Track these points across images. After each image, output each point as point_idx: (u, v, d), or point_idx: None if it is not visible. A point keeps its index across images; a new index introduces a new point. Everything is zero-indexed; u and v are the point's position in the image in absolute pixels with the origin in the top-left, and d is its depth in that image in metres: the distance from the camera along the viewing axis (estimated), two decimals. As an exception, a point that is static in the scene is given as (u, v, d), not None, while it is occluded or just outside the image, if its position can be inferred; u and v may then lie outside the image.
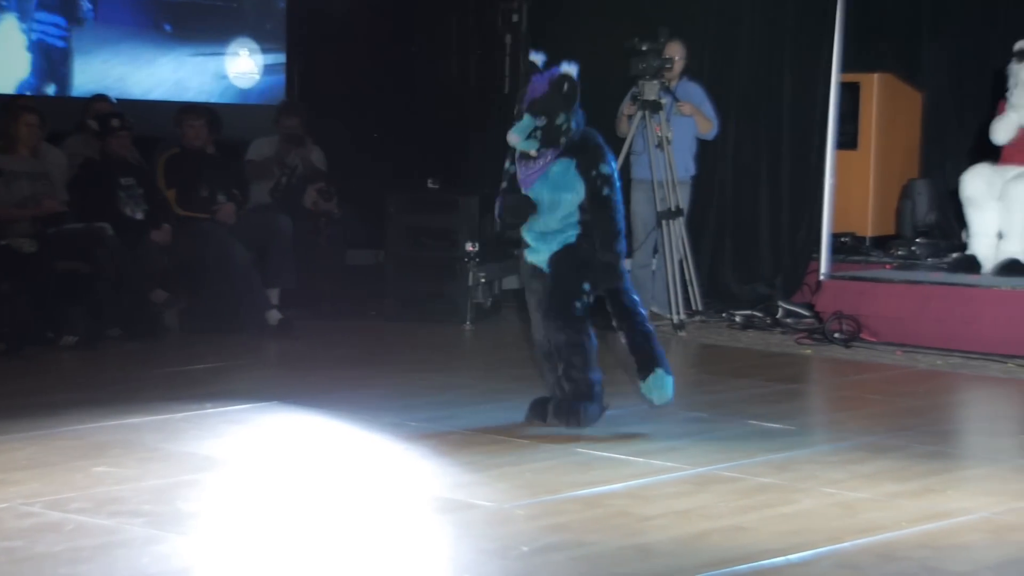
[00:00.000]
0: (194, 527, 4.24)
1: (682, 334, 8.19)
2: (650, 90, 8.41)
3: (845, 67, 8.41)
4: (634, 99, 8.54)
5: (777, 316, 8.50)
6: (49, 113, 8.08)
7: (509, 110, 9.80)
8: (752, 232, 9.22)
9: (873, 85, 9.02)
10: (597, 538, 4.16)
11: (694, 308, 8.60)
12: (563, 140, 5.36)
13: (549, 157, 5.37)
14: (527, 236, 5.48)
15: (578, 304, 5.37)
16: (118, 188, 7.98)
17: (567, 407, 5.40)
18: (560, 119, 5.32)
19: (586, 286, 5.39)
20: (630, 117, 8.57)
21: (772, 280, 9.02)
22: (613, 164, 5.46)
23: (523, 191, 5.43)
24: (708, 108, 8.69)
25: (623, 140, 8.54)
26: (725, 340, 8.12)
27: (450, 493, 4.64)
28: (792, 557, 3.98)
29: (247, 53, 10.49)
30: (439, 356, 7.63)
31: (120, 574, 3.79)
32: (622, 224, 5.44)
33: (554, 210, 5.39)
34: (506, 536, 4.16)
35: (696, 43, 8.97)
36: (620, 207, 5.43)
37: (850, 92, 8.87)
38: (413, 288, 8.75)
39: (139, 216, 8.01)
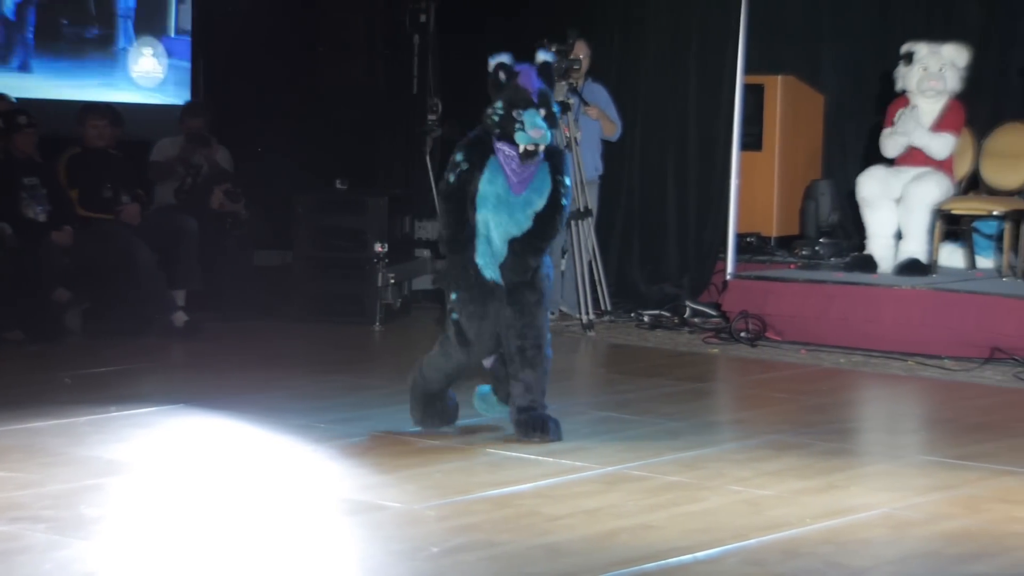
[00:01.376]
0: (98, 532, 4.18)
1: (591, 334, 8.23)
2: (559, 91, 8.44)
3: (749, 69, 8.52)
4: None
5: (684, 316, 8.58)
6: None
7: (417, 111, 9.92)
8: (659, 232, 9.30)
9: (777, 87, 9.13)
10: (507, 538, 4.17)
11: (603, 308, 8.65)
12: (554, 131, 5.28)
13: (540, 159, 5.22)
14: (483, 259, 5.23)
15: (549, 336, 5.37)
16: (21, 188, 7.84)
17: (538, 420, 5.31)
18: (556, 109, 5.25)
19: (547, 316, 5.41)
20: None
21: (679, 280, 9.10)
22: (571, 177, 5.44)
23: (512, 196, 5.20)
24: (612, 111, 8.76)
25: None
26: (633, 340, 8.18)
27: (359, 495, 4.62)
28: (699, 555, 4.02)
29: (151, 52, 10.35)
30: (348, 357, 7.59)
31: (22, 581, 3.73)
32: (555, 235, 5.35)
33: (525, 214, 5.24)
34: (416, 537, 4.15)
35: (603, 45, 9.03)
36: (563, 219, 5.34)
37: (754, 94, 8.98)
38: (322, 289, 8.69)
39: (41, 217, 7.86)
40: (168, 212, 8.57)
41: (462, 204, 5.22)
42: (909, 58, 8.11)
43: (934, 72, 8.04)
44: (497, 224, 5.21)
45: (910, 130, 8.02)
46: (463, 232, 5.20)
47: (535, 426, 5.29)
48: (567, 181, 5.28)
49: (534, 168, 5.20)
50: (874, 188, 8.16)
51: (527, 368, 5.26)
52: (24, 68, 9.85)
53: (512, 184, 5.18)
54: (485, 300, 5.20)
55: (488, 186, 5.19)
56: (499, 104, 5.18)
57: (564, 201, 5.25)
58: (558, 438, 5.31)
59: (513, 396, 5.34)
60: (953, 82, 8.08)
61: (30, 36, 9.87)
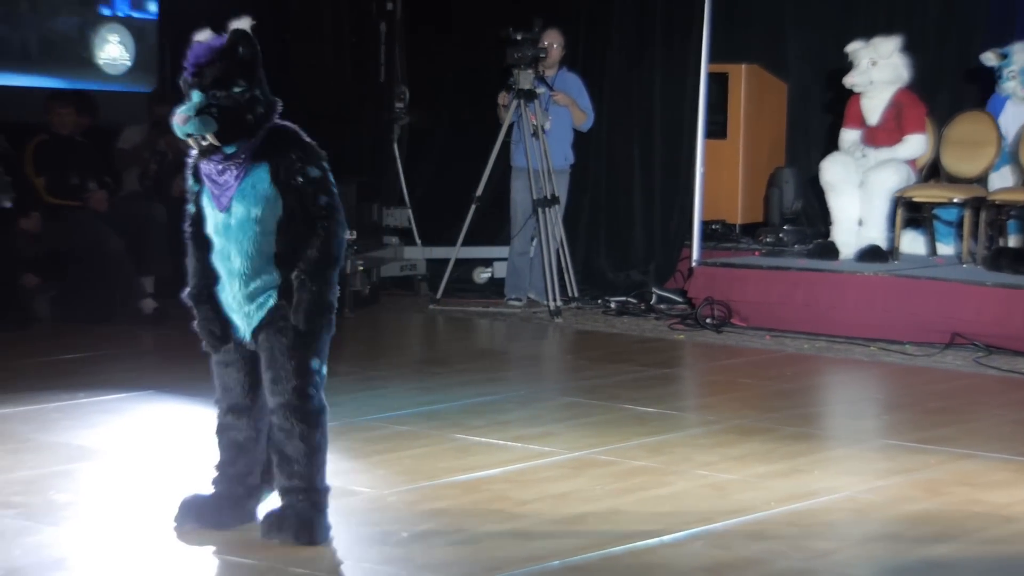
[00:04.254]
0: (68, 518, 4.16)
1: (558, 320, 8.25)
2: (525, 79, 8.47)
3: (713, 58, 8.54)
4: (508, 88, 8.59)
5: (651, 302, 8.60)
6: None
7: (385, 99, 9.89)
8: (626, 220, 9.32)
9: (741, 76, 9.16)
10: (475, 522, 4.17)
11: (570, 295, 8.67)
12: (250, 119, 3.86)
13: (242, 159, 3.88)
14: (217, 272, 4.01)
15: (312, 391, 3.92)
16: (-18, 176, 7.78)
17: (300, 520, 3.92)
18: (238, 89, 3.85)
19: (315, 364, 3.93)
20: (506, 106, 8.62)
21: (646, 267, 9.12)
22: (325, 165, 3.94)
23: (218, 213, 3.93)
24: (584, 100, 8.77)
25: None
26: (600, 326, 8.20)
27: (330, 480, 4.60)
28: (666, 538, 4.05)
29: (117, 39, 10.27)
30: (316, 344, 7.56)
31: (-8, 567, 3.71)
32: (339, 250, 3.92)
33: (244, 234, 3.90)
34: (386, 522, 4.16)
35: (568, 34, 9.03)
36: (340, 224, 3.92)
37: (719, 82, 9.00)
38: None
39: (7, 204, 7.80)
40: (136, 199, 8.52)
41: (197, 243, 4.00)
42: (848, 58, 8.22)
43: (863, 68, 8.10)
44: (219, 250, 3.97)
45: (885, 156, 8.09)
46: (202, 280, 4.00)
47: (282, 524, 3.93)
48: (312, 172, 3.88)
49: (236, 171, 3.89)
50: (838, 172, 8.22)
51: (279, 435, 3.95)
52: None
53: (214, 197, 3.93)
54: (222, 338, 4.06)
55: (205, 204, 3.99)
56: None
57: (322, 199, 3.87)
58: (315, 541, 3.90)
59: (275, 473, 4.01)
60: (886, 73, 8.09)
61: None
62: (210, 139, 3.83)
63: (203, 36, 3.95)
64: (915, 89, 8.32)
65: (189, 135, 3.83)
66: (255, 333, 3.97)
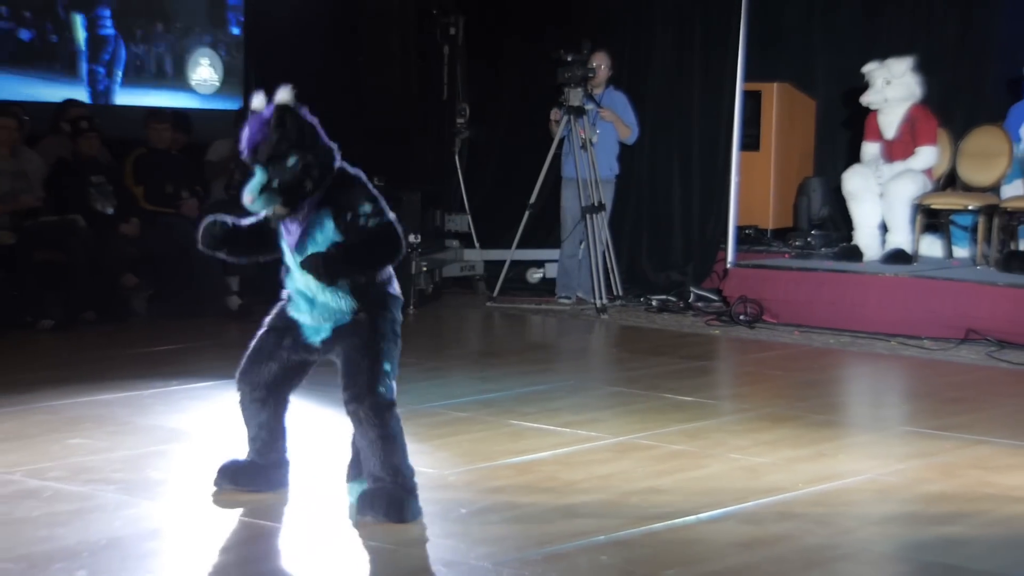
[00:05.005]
0: (163, 493, 4.22)
1: (604, 317, 8.25)
2: (574, 97, 8.48)
3: (748, 77, 8.51)
4: (559, 105, 8.60)
5: (689, 300, 8.58)
6: (27, 116, 7.98)
7: (447, 115, 9.93)
8: (666, 225, 9.30)
9: (773, 93, 9.12)
10: (528, 500, 4.19)
11: (615, 293, 8.67)
12: (309, 184, 3.92)
13: (307, 209, 3.97)
14: (292, 291, 4.13)
15: (383, 390, 3.96)
16: (89, 185, 7.89)
17: (391, 499, 3.94)
18: (292, 161, 3.90)
19: (387, 366, 3.98)
20: (557, 122, 8.64)
21: (684, 268, 9.10)
22: (379, 201, 3.98)
23: (293, 257, 4.05)
24: (630, 116, 8.76)
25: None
26: (642, 322, 8.19)
27: (396, 461, 4.64)
28: (702, 516, 4.04)
29: (207, 63, 10.38)
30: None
31: (95, 536, 3.77)
32: (391, 248, 3.95)
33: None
34: (446, 500, 4.18)
35: (615, 56, 9.02)
36: (389, 232, 3.94)
37: (753, 99, 8.98)
38: (361, 276, 8.71)
39: (109, 211, 7.92)
40: (223, 206, 8.60)
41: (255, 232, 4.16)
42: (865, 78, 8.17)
43: (878, 87, 8.05)
44: (299, 279, 4.08)
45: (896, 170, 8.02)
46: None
47: (386, 504, 3.92)
48: (363, 208, 3.94)
49: (299, 227, 4.00)
50: (858, 183, 8.19)
51: (358, 427, 3.99)
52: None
53: (287, 237, 4.06)
54: (279, 331, 4.16)
55: (282, 234, 4.11)
56: None
57: (371, 224, 3.92)
58: (405, 519, 3.90)
59: (363, 462, 4.04)
60: (899, 91, 8.04)
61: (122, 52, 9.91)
62: (277, 210, 3.96)
63: (257, 103, 4.02)
64: (931, 104, 8.24)
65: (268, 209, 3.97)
66: (328, 343, 4.06)
